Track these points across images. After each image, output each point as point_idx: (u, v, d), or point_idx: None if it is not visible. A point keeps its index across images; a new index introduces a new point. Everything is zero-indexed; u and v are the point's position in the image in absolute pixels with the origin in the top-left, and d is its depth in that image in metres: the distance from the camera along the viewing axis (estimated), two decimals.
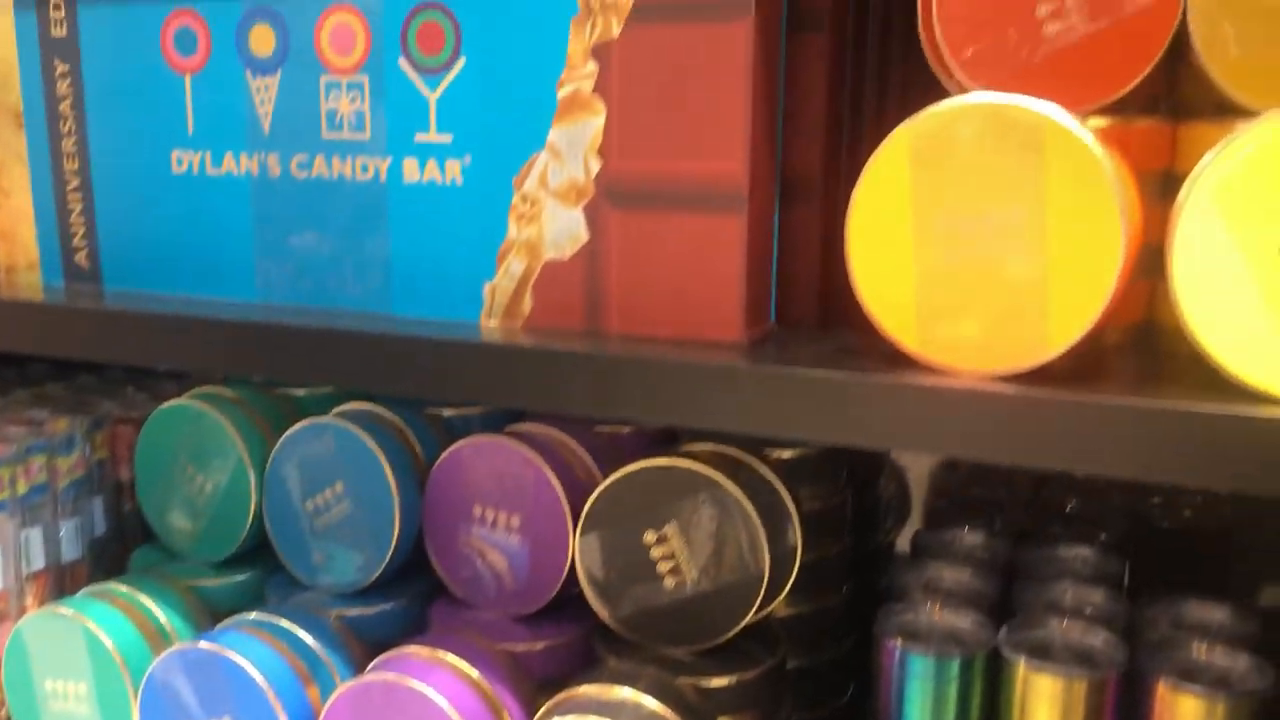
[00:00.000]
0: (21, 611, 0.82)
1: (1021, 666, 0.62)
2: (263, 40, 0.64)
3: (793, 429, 0.51)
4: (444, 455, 0.72)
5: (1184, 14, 0.51)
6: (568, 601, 0.71)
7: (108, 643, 0.72)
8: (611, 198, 0.57)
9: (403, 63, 0.60)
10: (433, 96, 0.60)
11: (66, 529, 0.85)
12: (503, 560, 0.71)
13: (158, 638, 0.75)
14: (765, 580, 0.63)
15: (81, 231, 0.72)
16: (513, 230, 0.60)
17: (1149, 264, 0.51)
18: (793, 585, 0.68)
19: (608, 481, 0.66)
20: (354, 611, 0.75)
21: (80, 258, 0.73)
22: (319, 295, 0.65)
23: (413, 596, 0.76)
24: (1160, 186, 0.55)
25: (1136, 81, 0.52)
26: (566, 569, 0.68)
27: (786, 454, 0.75)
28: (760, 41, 0.54)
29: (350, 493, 0.73)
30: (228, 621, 0.74)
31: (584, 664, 0.69)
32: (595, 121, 0.57)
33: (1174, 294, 0.46)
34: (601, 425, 0.76)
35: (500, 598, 0.71)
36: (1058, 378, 0.48)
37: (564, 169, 0.58)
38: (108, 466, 0.89)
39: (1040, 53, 0.52)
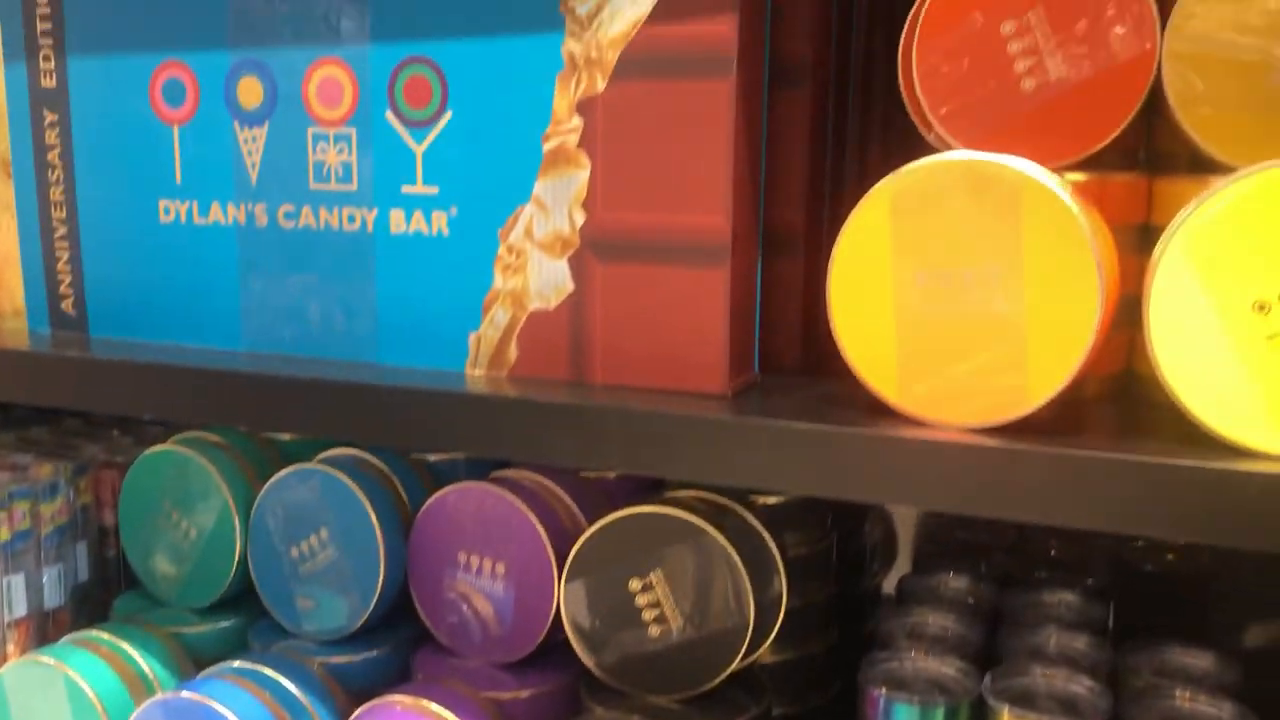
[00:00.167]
0: (3, 659, 0.81)
1: (1006, 715, 0.62)
2: (251, 92, 0.64)
3: (774, 481, 0.51)
4: (429, 501, 0.72)
5: (1159, 70, 0.52)
6: (553, 649, 0.71)
7: (89, 692, 0.72)
8: (596, 249, 0.58)
9: (390, 116, 0.61)
10: (419, 149, 0.61)
11: (49, 575, 0.84)
12: (488, 607, 0.71)
13: (140, 686, 0.75)
14: (751, 628, 0.63)
15: (68, 279, 0.72)
16: (498, 280, 0.60)
17: (1128, 315, 0.51)
18: (778, 632, 0.68)
19: (593, 529, 0.66)
20: (338, 659, 0.74)
21: (66, 305, 0.73)
22: (305, 344, 0.66)
23: (397, 644, 0.76)
24: (1138, 239, 0.56)
25: (1113, 136, 0.53)
26: (552, 616, 0.68)
27: (772, 500, 0.75)
28: (742, 98, 0.54)
29: (335, 539, 0.73)
30: (210, 670, 0.73)
31: (569, 712, 0.69)
32: (580, 175, 0.57)
33: (1150, 349, 0.47)
34: (587, 470, 0.76)
35: (485, 645, 0.71)
36: (1039, 430, 0.49)
37: (549, 221, 0.58)
38: (92, 511, 0.88)
39: (1019, 108, 0.53)
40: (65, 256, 0.72)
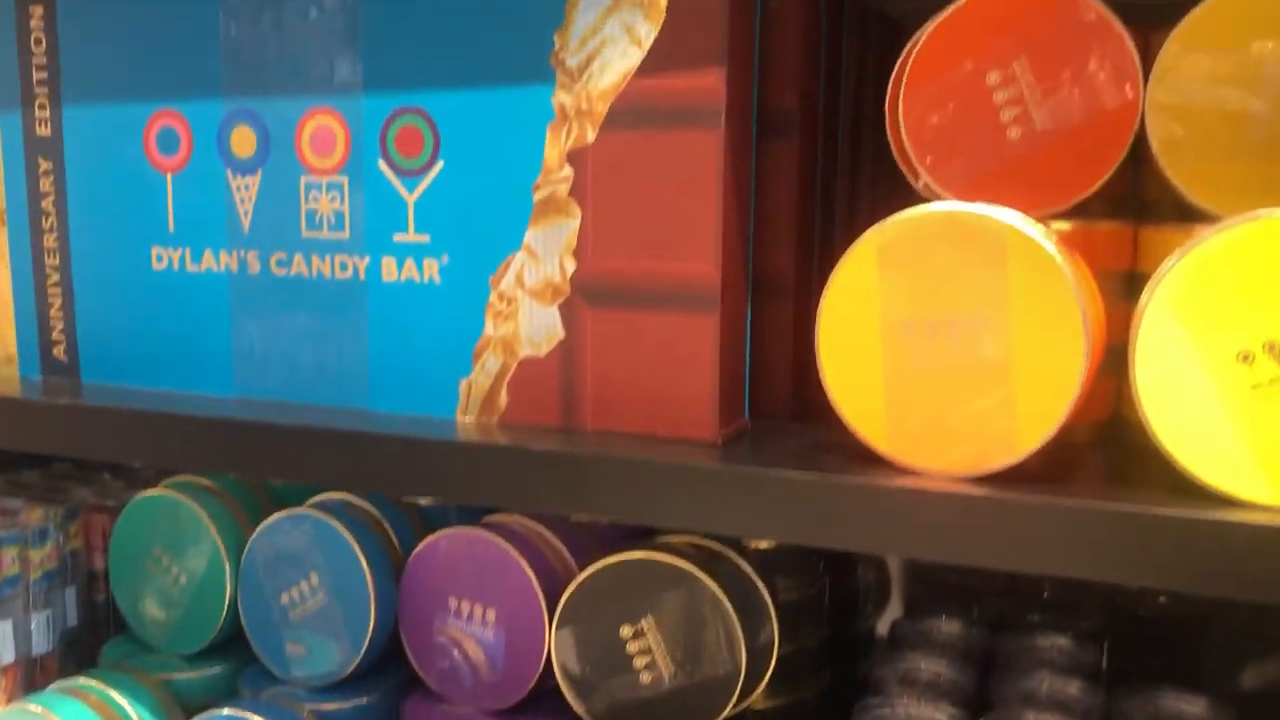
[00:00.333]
0: None
1: None
2: (244, 141, 0.65)
3: (764, 530, 0.51)
4: (420, 546, 0.72)
5: (1143, 119, 0.52)
6: (544, 695, 0.70)
7: None
8: (587, 297, 0.58)
9: (382, 164, 0.62)
10: (411, 198, 0.61)
11: (38, 621, 0.84)
12: (479, 652, 0.70)
13: None
14: (743, 674, 0.63)
15: (60, 326, 0.72)
16: (489, 327, 0.60)
17: (1115, 363, 0.51)
18: (771, 677, 0.67)
19: (583, 575, 0.66)
20: (328, 706, 0.74)
21: (58, 351, 0.73)
22: (297, 391, 0.66)
23: (387, 690, 0.75)
24: (1124, 287, 0.56)
25: (1098, 185, 0.53)
26: (543, 662, 0.68)
27: (763, 544, 0.75)
28: (731, 148, 0.55)
29: (326, 584, 0.73)
30: (200, 717, 0.73)
31: None
32: (571, 224, 0.58)
33: (1137, 398, 0.47)
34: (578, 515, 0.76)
35: (476, 691, 0.71)
36: (1028, 478, 0.49)
37: (540, 269, 0.59)
38: (81, 556, 0.88)
39: (1005, 157, 0.54)
40: (58, 303, 0.72)
